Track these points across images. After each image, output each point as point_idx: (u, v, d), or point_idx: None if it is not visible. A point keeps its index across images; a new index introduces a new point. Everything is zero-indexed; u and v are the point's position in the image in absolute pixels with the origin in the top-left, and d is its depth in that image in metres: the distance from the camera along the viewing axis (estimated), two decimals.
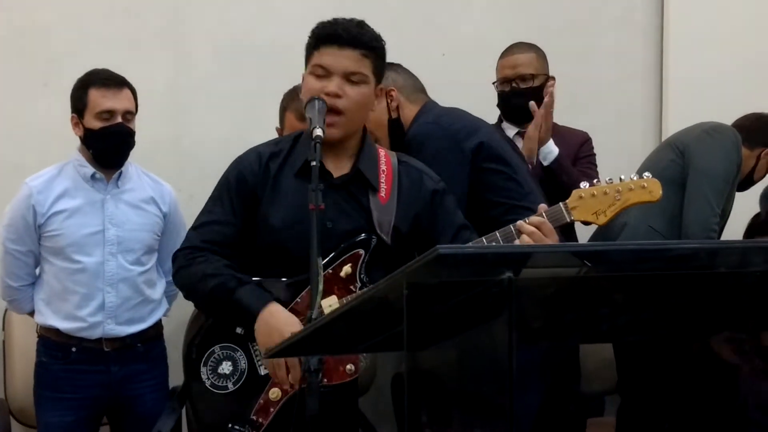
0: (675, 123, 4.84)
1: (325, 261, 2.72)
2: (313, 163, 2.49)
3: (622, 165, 4.79)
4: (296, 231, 2.73)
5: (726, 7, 4.90)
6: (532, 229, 2.64)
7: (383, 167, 2.87)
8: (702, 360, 3.47)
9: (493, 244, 2.68)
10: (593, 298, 1.91)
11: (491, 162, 3.36)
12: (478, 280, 1.72)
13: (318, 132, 2.56)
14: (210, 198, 2.91)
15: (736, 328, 3.06)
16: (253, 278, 2.78)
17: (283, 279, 2.77)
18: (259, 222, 2.81)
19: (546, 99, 3.83)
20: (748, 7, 4.93)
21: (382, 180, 2.84)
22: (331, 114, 2.71)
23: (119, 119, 3.52)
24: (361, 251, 2.76)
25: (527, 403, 3.23)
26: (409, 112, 3.64)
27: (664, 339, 3.35)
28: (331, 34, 2.73)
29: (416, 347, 1.78)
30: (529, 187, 3.37)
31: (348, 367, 2.76)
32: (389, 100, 3.66)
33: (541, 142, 3.81)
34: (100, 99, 3.51)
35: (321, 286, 2.35)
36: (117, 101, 3.52)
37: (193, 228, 2.91)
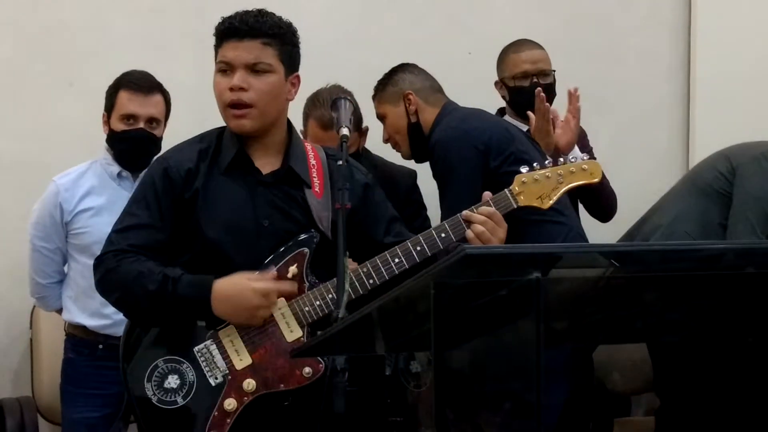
0: (702, 123, 4.81)
1: (267, 261, 2.68)
2: (340, 163, 2.48)
3: (648, 165, 4.81)
4: (233, 236, 2.69)
5: (755, 5, 4.86)
6: (484, 219, 2.62)
7: (312, 162, 2.80)
8: (740, 359, 3.44)
9: (442, 235, 2.65)
10: (621, 298, 1.90)
11: (516, 164, 3.34)
12: (505, 280, 1.71)
13: (344, 131, 2.55)
14: (132, 200, 2.78)
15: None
16: None
17: None
18: (191, 231, 2.71)
19: (575, 104, 3.75)
20: None
21: (314, 175, 2.76)
22: (239, 107, 2.67)
23: (141, 125, 3.53)
24: (306, 250, 2.68)
25: (553, 402, 3.22)
26: (428, 115, 3.62)
27: (695, 339, 3.33)
28: (229, 28, 2.70)
29: (443, 347, 1.77)
30: None
31: (305, 370, 2.63)
32: (407, 104, 3.64)
33: (568, 147, 3.74)
34: (126, 102, 3.52)
35: (347, 285, 2.33)
36: (142, 107, 3.53)
37: (116, 231, 2.74)
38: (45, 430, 4.07)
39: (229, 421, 2.64)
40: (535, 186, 2.70)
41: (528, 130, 3.80)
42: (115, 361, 3.57)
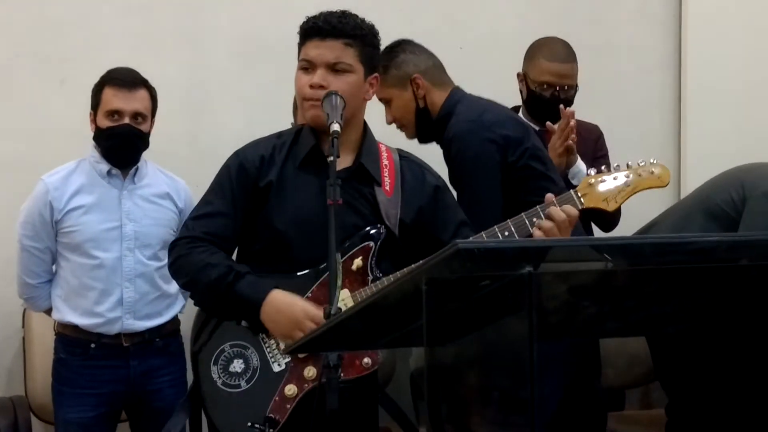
0: (693, 117, 4.82)
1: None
2: (330, 159, 2.50)
3: (639, 158, 4.79)
4: (301, 228, 2.77)
5: None
6: (551, 225, 2.65)
7: (385, 162, 2.87)
8: (739, 349, 3.43)
9: (506, 233, 2.70)
10: (614, 291, 1.89)
11: (531, 160, 3.34)
12: (498, 275, 1.71)
13: (335, 127, 2.56)
14: (209, 189, 2.90)
15: (760, 321, 3.04)
16: (258, 273, 2.77)
17: (290, 274, 2.77)
18: (262, 221, 2.81)
19: (571, 125, 3.72)
20: None
21: (385, 174, 2.85)
22: (316, 99, 2.73)
23: (127, 120, 3.53)
24: (371, 244, 2.77)
25: (547, 397, 3.22)
26: (437, 98, 3.58)
27: (691, 332, 3.32)
28: (313, 27, 2.78)
29: (436, 342, 1.77)
30: (562, 185, 3.36)
31: (365, 360, 2.75)
32: (415, 88, 3.61)
33: (569, 164, 3.73)
34: (111, 98, 3.53)
35: (340, 281, 2.35)
36: (126, 102, 3.52)
37: (192, 218, 2.89)
38: (38, 429, 4.07)
39: (288, 406, 2.73)
40: (602, 188, 2.75)
41: (539, 131, 3.79)
42: (108, 360, 3.60)
